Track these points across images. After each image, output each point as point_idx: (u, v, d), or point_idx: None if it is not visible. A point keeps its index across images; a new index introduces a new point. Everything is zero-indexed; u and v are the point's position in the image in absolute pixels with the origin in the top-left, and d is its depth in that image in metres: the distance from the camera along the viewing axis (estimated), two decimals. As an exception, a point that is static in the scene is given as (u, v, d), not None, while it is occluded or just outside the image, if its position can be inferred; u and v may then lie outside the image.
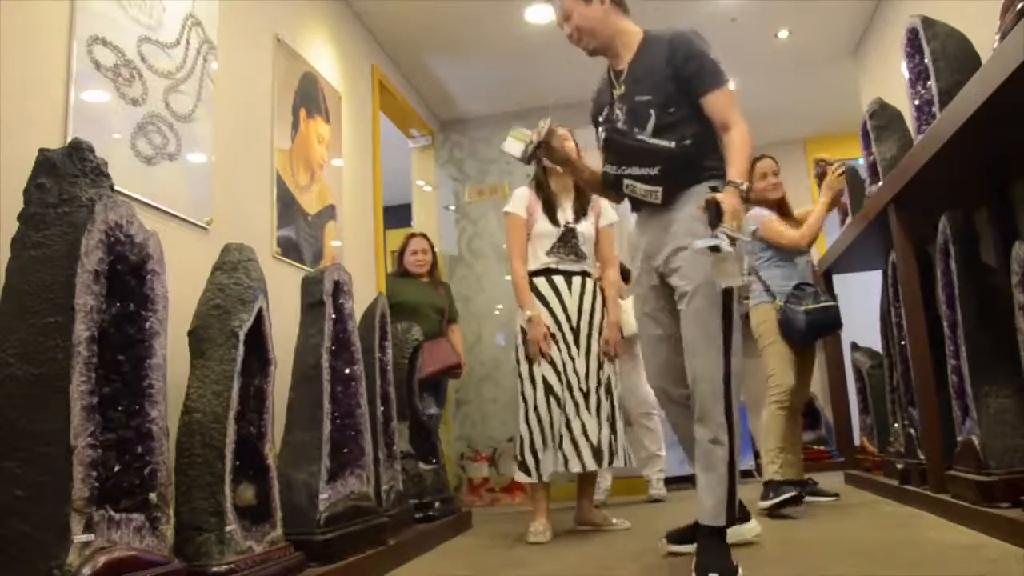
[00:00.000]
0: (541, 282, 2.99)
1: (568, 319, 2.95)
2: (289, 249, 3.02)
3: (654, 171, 2.04)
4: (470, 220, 5.17)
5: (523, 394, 2.94)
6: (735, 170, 1.96)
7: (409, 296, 3.94)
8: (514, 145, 2.20)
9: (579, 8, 2.12)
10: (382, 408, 2.72)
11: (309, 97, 3.32)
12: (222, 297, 1.91)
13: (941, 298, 2.51)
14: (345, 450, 2.36)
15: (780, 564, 2.00)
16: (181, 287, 1.85)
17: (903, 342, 2.96)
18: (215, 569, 1.69)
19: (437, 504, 3.10)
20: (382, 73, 4.26)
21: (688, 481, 4.38)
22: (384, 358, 2.82)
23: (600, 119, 2.22)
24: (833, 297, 3.53)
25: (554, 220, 3.01)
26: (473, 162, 5.27)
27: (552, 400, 2.88)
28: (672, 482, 4.19)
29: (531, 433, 2.89)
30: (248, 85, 2.88)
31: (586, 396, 2.90)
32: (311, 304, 2.36)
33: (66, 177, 1.49)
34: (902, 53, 2.70)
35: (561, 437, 2.87)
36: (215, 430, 1.78)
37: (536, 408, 2.89)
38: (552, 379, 2.90)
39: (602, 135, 2.18)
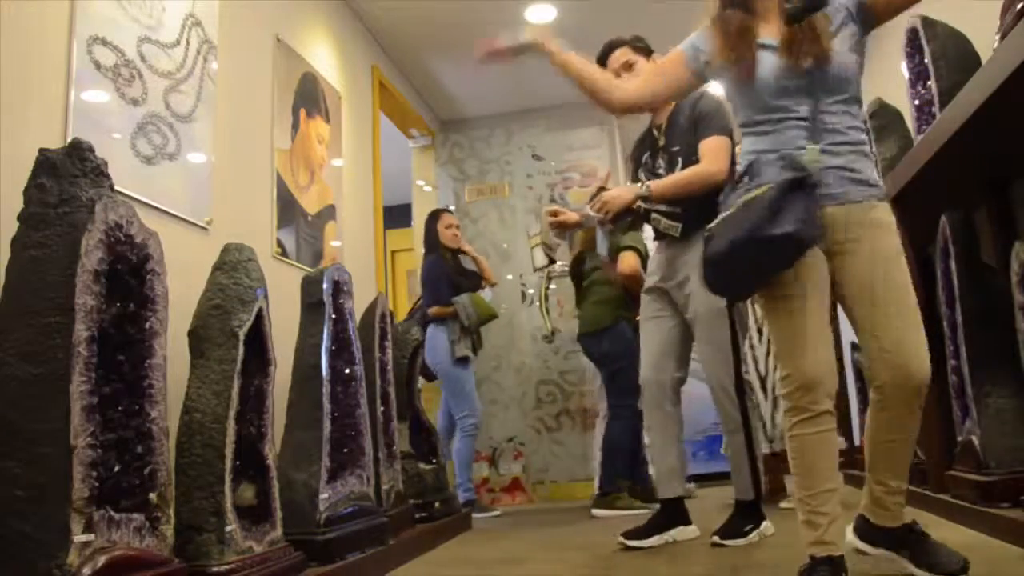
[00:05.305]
0: None
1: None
2: (289, 249, 3.02)
3: (677, 209, 2.41)
4: (470, 220, 5.16)
5: None
6: (661, 182, 2.38)
7: None
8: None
9: (641, 62, 2.52)
10: (382, 408, 2.73)
11: (309, 97, 3.32)
12: (222, 297, 1.91)
13: (941, 298, 2.51)
14: (345, 450, 2.36)
15: (778, 564, 2.00)
16: (181, 287, 1.85)
17: (903, 342, 2.96)
18: (215, 569, 1.69)
19: (437, 504, 3.10)
20: (382, 73, 4.26)
21: (693, 480, 4.41)
22: (384, 358, 2.83)
23: (642, 162, 2.60)
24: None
25: None
26: (473, 162, 5.26)
27: None
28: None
29: None
30: (248, 85, 2.88)
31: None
32: (311, 304, 2.36)
33: (66, 177, 1.49)
34: (902, 53, 2.70)
35: None
36: (215, 430, 1.78)
37: None
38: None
39: (644, 178, 2.54)
